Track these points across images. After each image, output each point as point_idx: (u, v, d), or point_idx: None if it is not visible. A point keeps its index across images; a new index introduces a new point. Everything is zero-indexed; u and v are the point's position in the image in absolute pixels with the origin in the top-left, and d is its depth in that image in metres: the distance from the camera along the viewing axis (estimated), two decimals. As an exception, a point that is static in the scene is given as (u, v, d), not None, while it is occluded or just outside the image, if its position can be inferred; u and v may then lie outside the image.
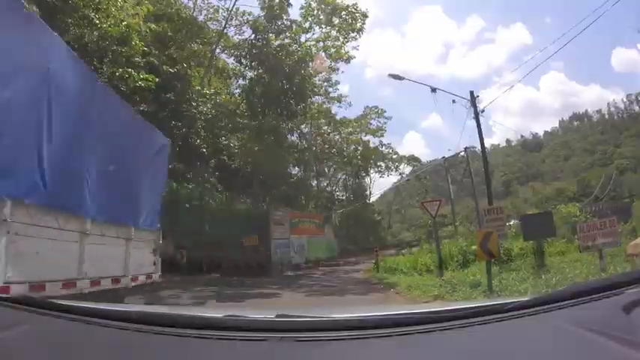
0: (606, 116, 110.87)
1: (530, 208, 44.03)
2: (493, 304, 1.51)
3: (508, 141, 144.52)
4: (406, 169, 44.18)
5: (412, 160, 43.86)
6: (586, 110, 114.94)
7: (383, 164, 42.47)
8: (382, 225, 46.24)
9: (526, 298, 1.52)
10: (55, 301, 1.77)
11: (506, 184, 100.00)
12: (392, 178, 51.86)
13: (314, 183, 39.30)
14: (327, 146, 38.24)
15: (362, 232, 39.61)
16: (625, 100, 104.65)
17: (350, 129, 39.21)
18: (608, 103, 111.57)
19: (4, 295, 1.95)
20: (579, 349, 1.15)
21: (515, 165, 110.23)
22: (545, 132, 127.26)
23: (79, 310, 1.66)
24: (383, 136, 41.04)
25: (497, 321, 1.34)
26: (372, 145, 41.00)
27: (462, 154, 29.05)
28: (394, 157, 42.59)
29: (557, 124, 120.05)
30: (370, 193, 43.96)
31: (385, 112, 40.28)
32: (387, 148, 41.86)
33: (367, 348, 1.24)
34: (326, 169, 41.10)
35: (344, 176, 42.84)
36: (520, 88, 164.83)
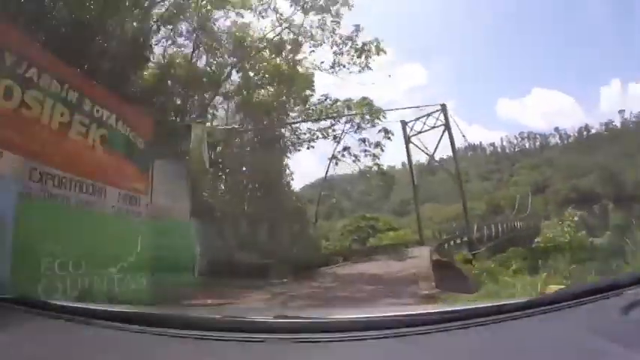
0: (499, 149, 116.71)
1: (433, 225, 44.65)
2: (493, 305, 1.50)
3: (403, 164, 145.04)
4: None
5: (367, 105, 24.00)
6: (480, 142, 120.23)
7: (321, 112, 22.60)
8: (309, 219, 25.18)
9: (526, 299, 1.53)
10: (53, 301, 1.83)
11: (405, 203, 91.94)
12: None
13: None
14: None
15: (274, 228, 18.68)
16: (517, 136, 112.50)
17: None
18: (501, 138, 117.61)
19: (3, 296, 1.79)
20: (578, 350, 1.14)
21: (410, 185, 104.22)
22: (441, 158, 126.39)
23: (78, 310, 1.67)
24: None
25: (497, 322, 1.34)
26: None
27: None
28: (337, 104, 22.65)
29: (450, 153, 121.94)
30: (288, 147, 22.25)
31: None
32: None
33: (365, 349, 1.24)
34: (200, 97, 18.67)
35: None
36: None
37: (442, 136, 33.79)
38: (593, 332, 1.18)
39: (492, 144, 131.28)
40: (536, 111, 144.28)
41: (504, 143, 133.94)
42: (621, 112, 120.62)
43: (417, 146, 35.58)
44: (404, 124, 35.16)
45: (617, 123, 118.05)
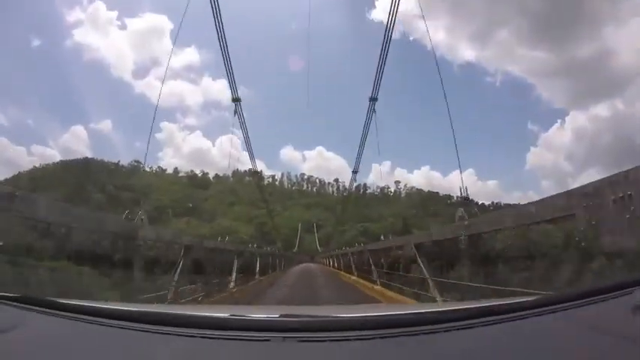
0: (277, 183, 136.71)
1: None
2: (499, 304, 1.50)
3: (176, 170, 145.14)
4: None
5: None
6: (261, 170, 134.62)
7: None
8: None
9: (533, 298, 1.51)
10: (55, 300, 1.74)
11: (159, 210, 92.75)
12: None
13: None
14: None
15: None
16: (298, 176, 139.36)
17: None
18: (282, 173, 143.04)
19: (4, 295, 1.74)
20: (587, 350, 1.14)
21: (177, 194, 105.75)
22: (217, 175, 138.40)
23: (79, 309, 1.65)
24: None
25: (502, 322, 1.33)
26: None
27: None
28: None
29: (229, 173, 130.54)
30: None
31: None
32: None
33: (370, 348, 1.24)
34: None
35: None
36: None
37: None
38: (601, 332, 1.18)
39: (273, 176, 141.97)
40: (315, 163, 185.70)
41: (284, 179, 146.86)
42: (397, 182, 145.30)
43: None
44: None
45: (392, 190, 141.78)
